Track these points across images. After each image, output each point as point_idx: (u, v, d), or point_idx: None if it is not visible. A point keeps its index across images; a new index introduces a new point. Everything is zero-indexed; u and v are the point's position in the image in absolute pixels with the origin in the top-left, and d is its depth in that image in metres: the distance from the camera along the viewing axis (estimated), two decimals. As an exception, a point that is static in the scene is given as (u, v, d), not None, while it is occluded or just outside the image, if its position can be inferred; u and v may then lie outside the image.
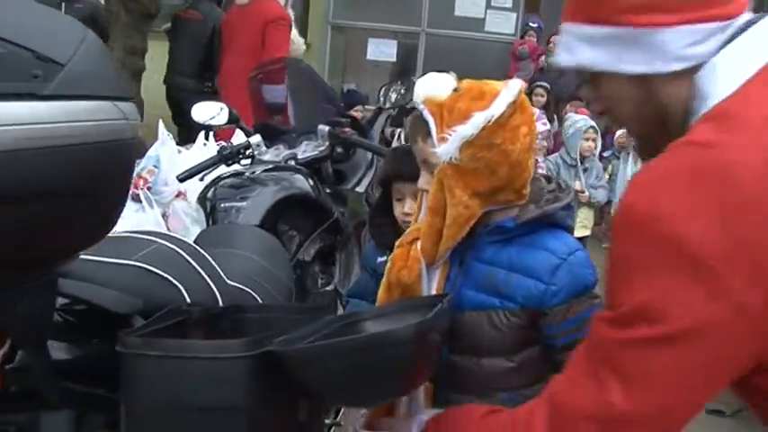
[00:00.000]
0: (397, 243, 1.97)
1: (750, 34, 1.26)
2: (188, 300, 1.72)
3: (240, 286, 2.02)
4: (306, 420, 1.57)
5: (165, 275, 1.71)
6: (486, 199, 1.78)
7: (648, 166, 1.22)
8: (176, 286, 1.72)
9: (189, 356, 1.35)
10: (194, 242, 2.20)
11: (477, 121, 1.71)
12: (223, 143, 3.69)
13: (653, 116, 1.33)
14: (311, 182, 3.29)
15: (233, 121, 3.70)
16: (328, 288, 3.35)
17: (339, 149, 3.60)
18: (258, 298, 2.06)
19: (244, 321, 1.78)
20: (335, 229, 3.39)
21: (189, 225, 4.27)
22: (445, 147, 1.74)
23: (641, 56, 1.27)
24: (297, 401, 1.53)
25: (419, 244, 1.87)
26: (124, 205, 1.33)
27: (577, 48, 1.34)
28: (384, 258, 2.46)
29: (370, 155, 3.82)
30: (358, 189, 3.73)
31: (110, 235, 1.47)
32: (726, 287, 1.10)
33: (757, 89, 1.21)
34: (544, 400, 1.30)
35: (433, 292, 1.88)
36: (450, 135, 1.72)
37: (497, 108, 1.72)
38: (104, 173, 1.21)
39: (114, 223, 1.32)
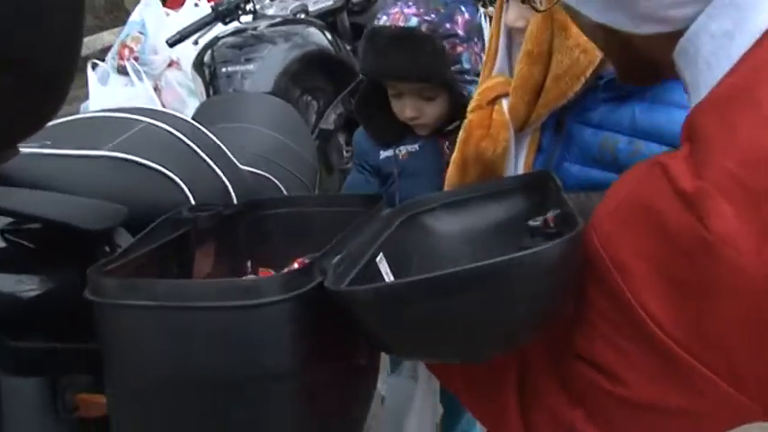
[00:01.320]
0: (470, 107, 1.47)
1: None
2: (191, 199, 1.31)
3: (255, 170, 1.66)
4: (362, 378, 1.11)
5: (157, 166, 1.29)
6: None
7: (617, 185, 0.94)
8: (173, 180, 1.32)
9: (199, 306, 0.82)
10: (193, 118, 1.82)
11: None
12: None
13: (630, 59, 1.06)
14: (328, 36, 2.86)
15: (229, -28, 3.18)
16: (357, 163, 2.91)
17: (356, -1, 3.21)
18: (279, 184, 1.71)
19: (267, 223, 1.34)
20: (360, 91, 2.92)
21: (185, 98, 3.94)
22: None
23: (604, 5, 0.97)
24: (353, 354, 1.04)
25: (505, 104, 1.38)
26: (77, 62, 0.83)
27: None
28: (389, 152, 1.86)
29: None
30: (381, 42, 3.24)
31: (76, 117, 1.10)
32: (683, 369, 0.87)
33: (739, 91, 0.84)
34: (544, 408, 1.08)
35: (521, 168, 1.42)
36: None
37: None
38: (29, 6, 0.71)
39: (66, 92, 0.82)
